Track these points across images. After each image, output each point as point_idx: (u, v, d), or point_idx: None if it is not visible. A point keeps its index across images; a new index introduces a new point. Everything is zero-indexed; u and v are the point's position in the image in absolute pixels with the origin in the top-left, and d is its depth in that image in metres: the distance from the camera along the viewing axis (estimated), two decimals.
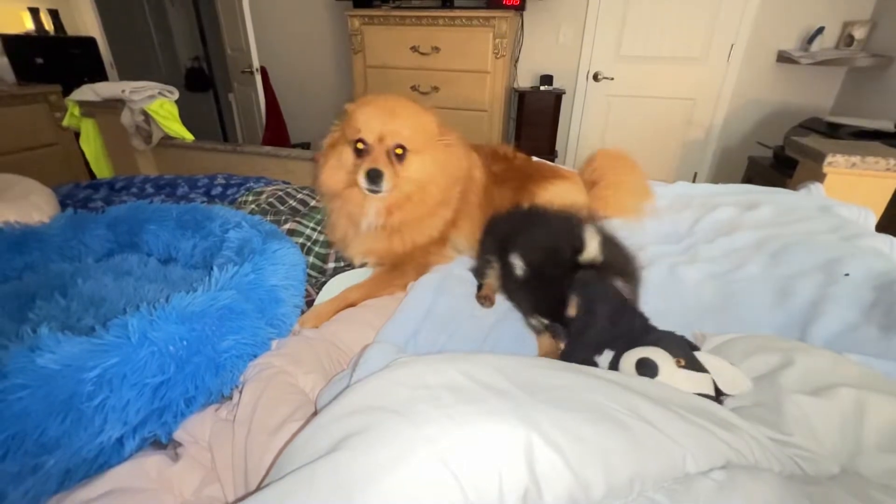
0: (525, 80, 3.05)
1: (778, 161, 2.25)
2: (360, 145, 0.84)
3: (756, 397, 0.48)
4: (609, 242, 0.74)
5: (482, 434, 0.32)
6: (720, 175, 2.92)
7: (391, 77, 2.82)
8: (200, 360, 0.59)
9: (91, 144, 1.75)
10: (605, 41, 2.84)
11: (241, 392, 0.58)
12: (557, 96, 2.83)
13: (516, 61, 2.97)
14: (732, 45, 2.61)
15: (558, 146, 3.07)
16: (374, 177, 0.79)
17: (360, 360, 0.53)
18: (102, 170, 1.77)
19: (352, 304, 0.87)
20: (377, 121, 0.82)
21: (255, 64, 2.81)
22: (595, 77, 2.94)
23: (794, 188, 1.32)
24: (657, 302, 0.81)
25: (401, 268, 0.89)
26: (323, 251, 1.18)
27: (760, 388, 0.49)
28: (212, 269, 0.71)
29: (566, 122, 3.09)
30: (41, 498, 0.49)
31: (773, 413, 0.44)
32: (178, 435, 0.56)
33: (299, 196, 1.45)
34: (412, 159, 0.83)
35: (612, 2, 2.73)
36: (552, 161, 2.98)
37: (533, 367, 0.40)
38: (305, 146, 3.31)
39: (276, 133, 2.91)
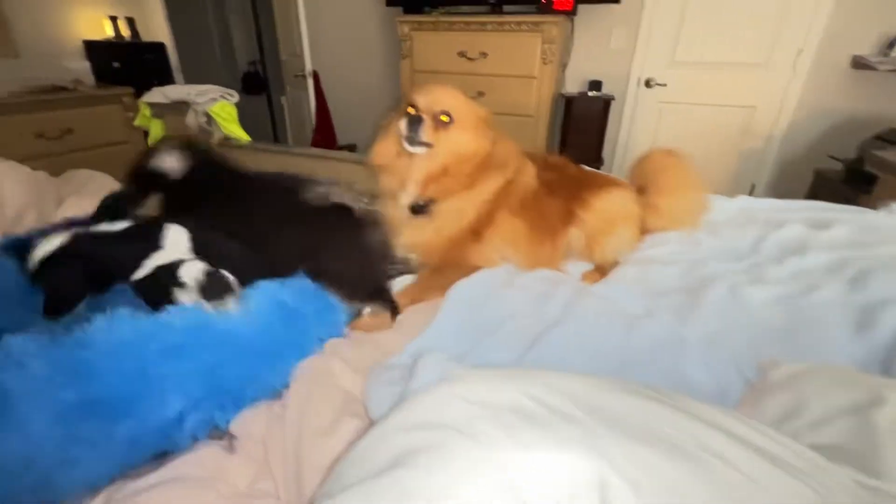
0: (573, 86, 2.99)
1: (850, 175, 2.08)
2: (410, 110, 0.89)
3: (843, 435, 0.44)
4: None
5: (554, 463, 0.31)
6: (780, 188, 2.73)
7: (437, 81, 2.84)
8: (259, 348, 0.62)
9: (156, 143, 1.87)
10: (659, 46, 2.73)
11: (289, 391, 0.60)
12: (606, 102, 2.75)
13: (565, 66, 2.92)
14: (801, 51, 2.44)
15: (605, 153, 2.99)
16: (414, 122, 0.86)
17: (415, 368, 0.53)
18: None
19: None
20: (429, 91, 0.91)
21: (308, 68, 2.92)
22: (647, 83, 2.84)
23: (874, 206, 1.21)
24: (716, 322, 0.77)
25: (443, 270, 0.89)
26: None
27: (847, 425, 0.45)
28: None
29: (614, 128, 3.00)
30: (110, 464, 0.53)
31: (865, 455, 0.40)
32: (234, 428, 0.58)
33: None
34: (455, 130, 0.88)
35: (669, 5, 2.63)
36: (598, 169, 2.91)
37: (599, 391, 0.38)
38: (352, 148, 3.40)
39: (325, 135, 3.01)
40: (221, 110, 1.79)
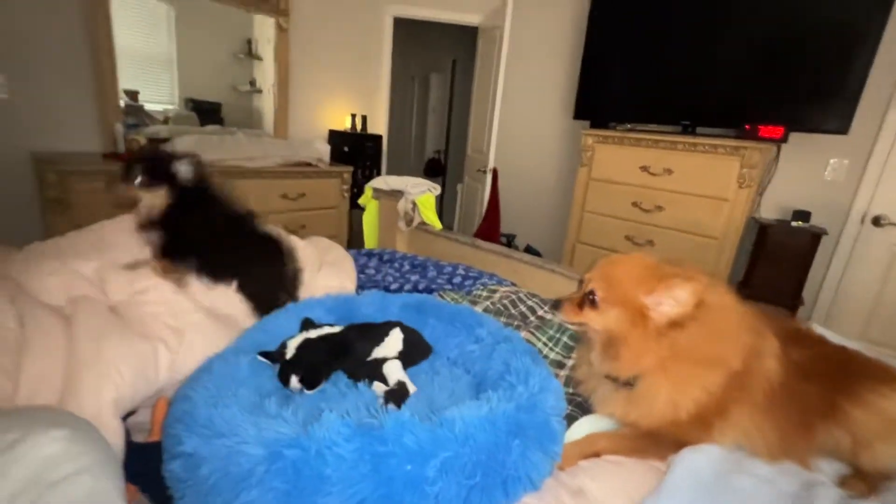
0: (770, 211, 2.70)
1: None
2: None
3: None
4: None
5: None
6: None
7: (612, 190, 2.86)
8: (496, 472, 0.63)
9: (370, 219, 2.24)
10: None
11: None
12: (816, 236, 2.40)
13: (762, 191, 2.68)
14: None
15: (806, 294, 2.55)
16: (553, 305, 0.92)
17: None
18: (371, 240, 2.24)
19: (596, 454, 0.83)
20: (592, 268, 0.91)
21: (490, 165, 3.24)
22: (875, 221, 2.40)
23: None
24: None
25: (657, 438, 0.81)
26: (551, 370, 1.18)
27: None
28: (481, 377, 0.78)
29: (820, 267, 2.56)
30: None
31: None
32: None
33: (529, 303, 1.52)
34: (604, 308, 0.85)
35: None
36: (796, 311, 2.47)
37: None
38: (511, 238, 3.57)
39: (491, 224, 3.23)
40: (426, 200, 2.08)
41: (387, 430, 0.61)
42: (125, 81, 2.60)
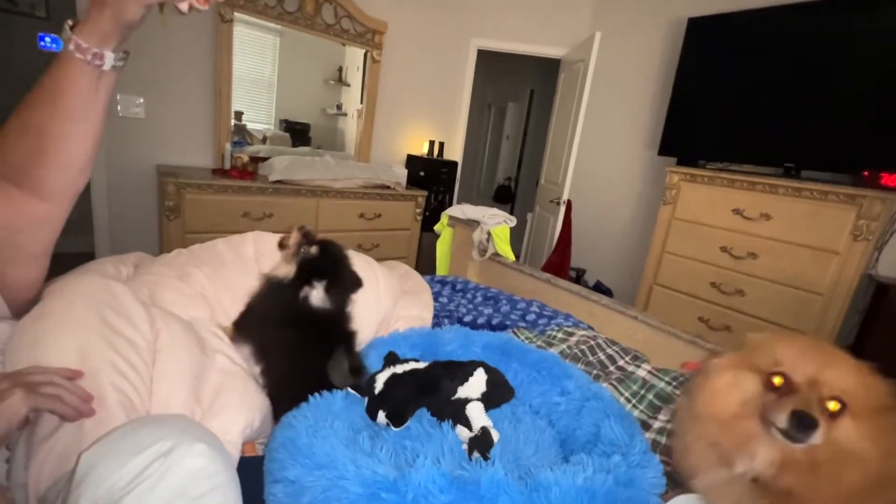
0: (890, 269, 2.37)
1: None
2: (777, 379, 0.69)
3: None
4: None
5: None
6: None
7: (699, 232, 2.68)
8: None
9: (444, 246, 2.28)
10: None
11: None
12: None
13: (882, 246, 2.36)
14: None
15: None
16: (807, 424, 0.62)
17: None
18: (442, 267, 2.27)
19: None
20: (811, 361, 0.68)
21: (564, 197, 3.17)
22: None
23: None
24: None
25: None
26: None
27: None
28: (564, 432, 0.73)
29: None
30: None
31: None
32: None
33: (608, 351, 1.44)
34: (846, 423, 0.64)
35: None
36: None
37: None
38: (581, 272, 3.45)
39: (561, 258, 3.14)
40: (501, 231, 2.07)
41: (483, 488, 0.59)
42: (233, 103, 2.89)
